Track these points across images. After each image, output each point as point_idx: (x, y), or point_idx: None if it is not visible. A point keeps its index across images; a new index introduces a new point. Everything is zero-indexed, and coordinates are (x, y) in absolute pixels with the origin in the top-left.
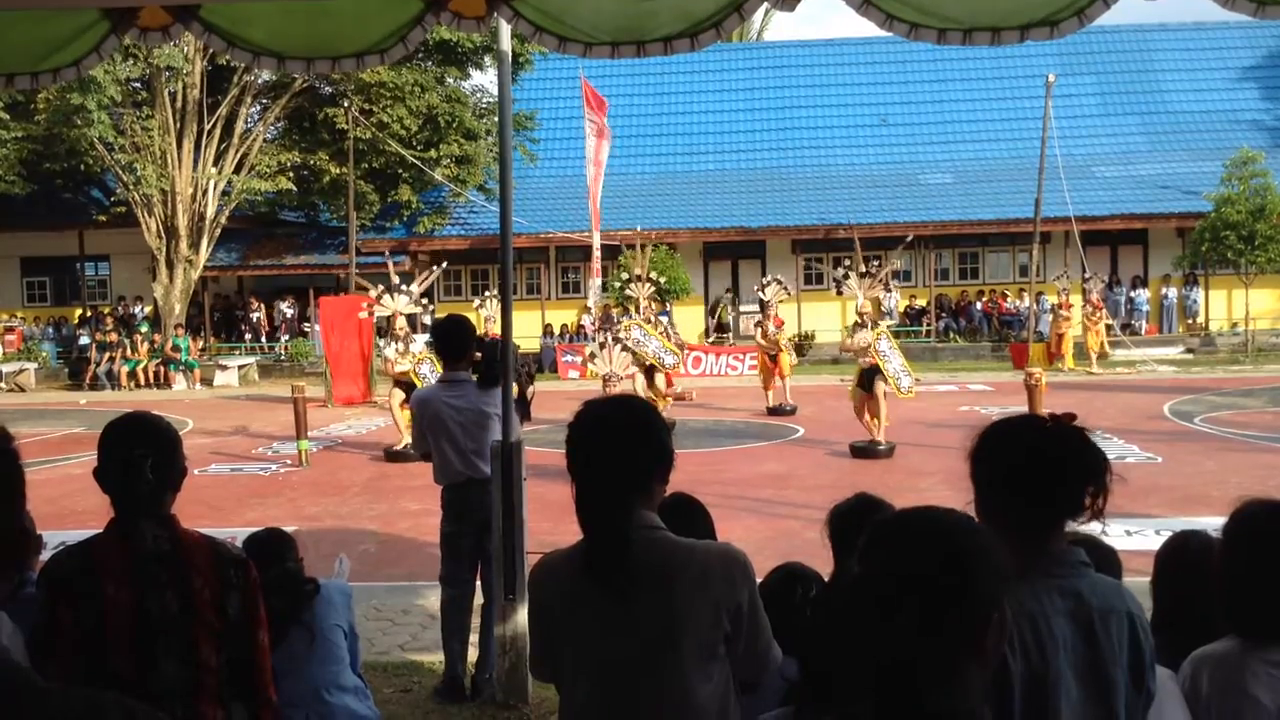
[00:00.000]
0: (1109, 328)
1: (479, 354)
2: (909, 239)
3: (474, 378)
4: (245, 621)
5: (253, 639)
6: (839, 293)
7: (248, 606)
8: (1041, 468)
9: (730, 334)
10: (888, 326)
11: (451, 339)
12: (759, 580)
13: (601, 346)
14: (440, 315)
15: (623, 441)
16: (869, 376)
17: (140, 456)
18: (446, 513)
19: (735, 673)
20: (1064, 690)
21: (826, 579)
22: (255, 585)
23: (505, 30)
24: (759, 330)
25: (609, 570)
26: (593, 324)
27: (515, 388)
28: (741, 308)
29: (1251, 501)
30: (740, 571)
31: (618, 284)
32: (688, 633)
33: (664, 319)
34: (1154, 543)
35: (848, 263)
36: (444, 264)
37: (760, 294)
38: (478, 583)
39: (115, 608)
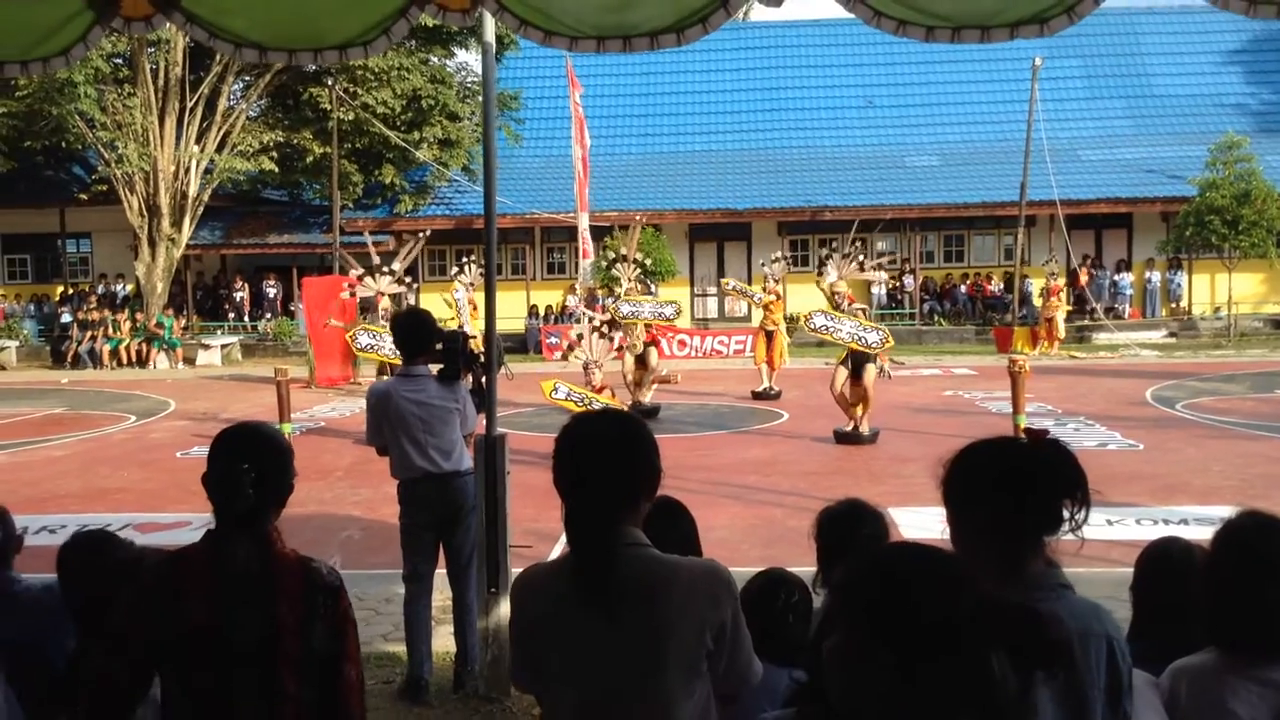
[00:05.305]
0: (1092, 311)
1: (439, 346)
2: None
3: (434, 372)
4: (331, 654)
5: (339, 674)
6: (820, 273)
7: (336, 638)
8: (1012, 482)
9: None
10: (862, 310)
11: (410, 333)
12: (741, 584)
13: (581, 338)
14: (425, 294)
15: (611, 459)
16: (858, 362)
17: (244, 470)
18: (404, 508)
19: (715, 687)
20: (1040, 713)
21: (809, 581)
22: (345, 617)
23: (490, 23)
24: (762, 305)
25: (595, 587)
26: (578, 305)
27: (470, 378)
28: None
29: (1243, 514)
30: (724, 589)
31: (604, 264)
32: (672, 650)
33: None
34: (1135, 532)
35: (834, 244)
36: (427, 231)
37: (766, 268)
38: (439, 575)
39: (195, 626)
